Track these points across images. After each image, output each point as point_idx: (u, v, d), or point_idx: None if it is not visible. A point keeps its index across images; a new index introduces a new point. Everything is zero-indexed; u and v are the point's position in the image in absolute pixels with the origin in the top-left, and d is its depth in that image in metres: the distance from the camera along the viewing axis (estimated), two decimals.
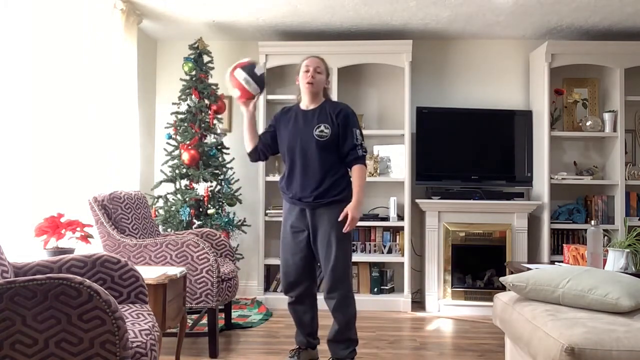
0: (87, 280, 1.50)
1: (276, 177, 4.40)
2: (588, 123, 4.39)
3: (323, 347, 2.93)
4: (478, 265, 4.37)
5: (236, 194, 4.17)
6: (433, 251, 4.27)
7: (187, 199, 3.93)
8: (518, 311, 2.19)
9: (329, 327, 2.83)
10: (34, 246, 2.85)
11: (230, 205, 4.13)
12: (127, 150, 3.89)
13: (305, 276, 2.82)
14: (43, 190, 3.08)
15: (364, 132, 3.34)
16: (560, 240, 4.36)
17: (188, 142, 4.01)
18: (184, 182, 4.08)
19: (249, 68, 2.70)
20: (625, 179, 4.31)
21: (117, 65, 3.74)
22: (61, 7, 3.25)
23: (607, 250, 3.05)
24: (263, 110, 4.36)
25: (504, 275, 3.95)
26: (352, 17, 4.13)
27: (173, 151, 4.09)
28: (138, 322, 1.85)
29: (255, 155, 2.90)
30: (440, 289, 4.26)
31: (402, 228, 4.38)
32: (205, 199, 3.93)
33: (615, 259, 2.97)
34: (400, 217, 4.42)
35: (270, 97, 4.44)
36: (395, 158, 4.52)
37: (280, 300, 4.17)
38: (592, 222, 3.04)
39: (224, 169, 4.16)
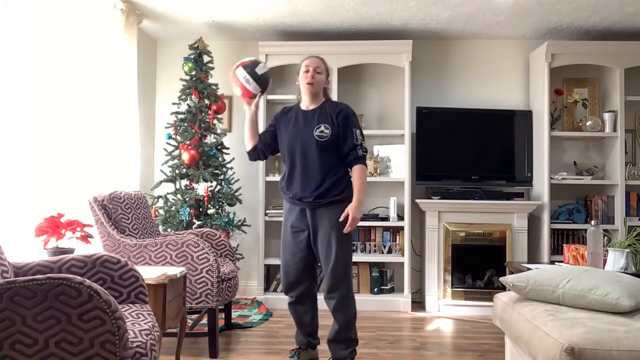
0: (87, 280, 1.50)
1: (276, 177, 4.40)
2: (588, 123, 4.39)
3: (323, 347, 2.93)
4: (478, 265, 4.37)
5: (236, 194, 4.17)
6: (433, 251, 4.27)
7: (187, 199, 3.93)
8: (518, 311, 2.19)
9: (329, 327, 2.83)
10: (34, 246, 2.85)
11: (230, 205, 4.13)
12: (127, 150, 3.89)
13: (306, 276, 2.82)
14: (43, 190, 3.08)
15: (364, 132, 3.34)
16: (560, 240, 4.36)
17: (188, 142, 4.01)
18: (184, 182, 4.08)
19: (251, 67, 2.72)
20: (625, 179, 4.31)
21: (117, 65, 3.74)
22: (61, 7, 3.25)
23: (607, 250, 3.05)
24: (263, 110, 4.36)
25: (504, 275, 3.95)
26: (352, 17, 4.13)
27: (173, 151, 4.09)
28: (138, 322, 1.85)
29: (255, 154, 2.90)
30: (440, 289, 4.26)
31: (402, 228, 4.38)
32: (205, 199, 3.93)
33: (615, 259, 2.97)
34: (400, 217, 4.42)
35: (270, 97, 4.44)
36: (395, 158, 4.52)
37: (280, 300, 4.17)
38: (592, 222, 3.04)
39: (224, 169, 4.16)
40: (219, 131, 4.20)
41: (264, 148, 2.88)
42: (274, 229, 4.43)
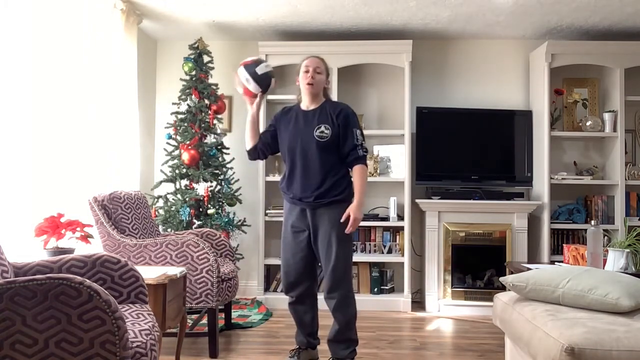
0: (87, 280, 1.50)
1: (276, 177, 4.40)
2: (588, 123, 4.39)
3: (323, 347, 2.93)
4: (478, 265, 4.37)
5: (236, 194, 4.17)
6: (433, 251, 4.27)
7: (187, 199, 3.93)
8: (518, 311, 2.19)
9: (329, 327, 2.83)
10: (34, 246, 2.85)
11: (230, 205, 4.13)
12: (127, 150, 3.89)
13: (306, 276, 2.82)
14: (43, 190, 3.08)
15: (364, 132, 3.34)
16: (560, 240, 4.36)
17: (188, 142, 4.01)
18: (184, 182, 4.08)
19: (251, 67, 2.74)
20: (625, 179, 4.31)
21: (117, 65, 3.74)
22: (61, 7, 3.25)
23: (607, 250, 3.05)
24: (263, 110, 4.35)
25: (504, 275, 3.95)
26: (352, 17, 4.13)
27: (173, 151, 4.09)
28: (138, 322, 1.85)
29: (254, 153, 2.90)
30: (440, 289, 4.26)
31: (402, 228, 4.38)
32: (205, 199, 3.93)
33: (615, 259, 2.97)
34: (400, 217, 4.42)
35: (270, 97, 4.44)
36: (395, 158, 4.52)
37: (280, 300, 4.17)
38: (592, 222, 3.04)
39: (224, 169, 4.16)
40: (219, 131, 4.19)
41: (263, 148, 2.88)
42: (274, 229, 4.43)
